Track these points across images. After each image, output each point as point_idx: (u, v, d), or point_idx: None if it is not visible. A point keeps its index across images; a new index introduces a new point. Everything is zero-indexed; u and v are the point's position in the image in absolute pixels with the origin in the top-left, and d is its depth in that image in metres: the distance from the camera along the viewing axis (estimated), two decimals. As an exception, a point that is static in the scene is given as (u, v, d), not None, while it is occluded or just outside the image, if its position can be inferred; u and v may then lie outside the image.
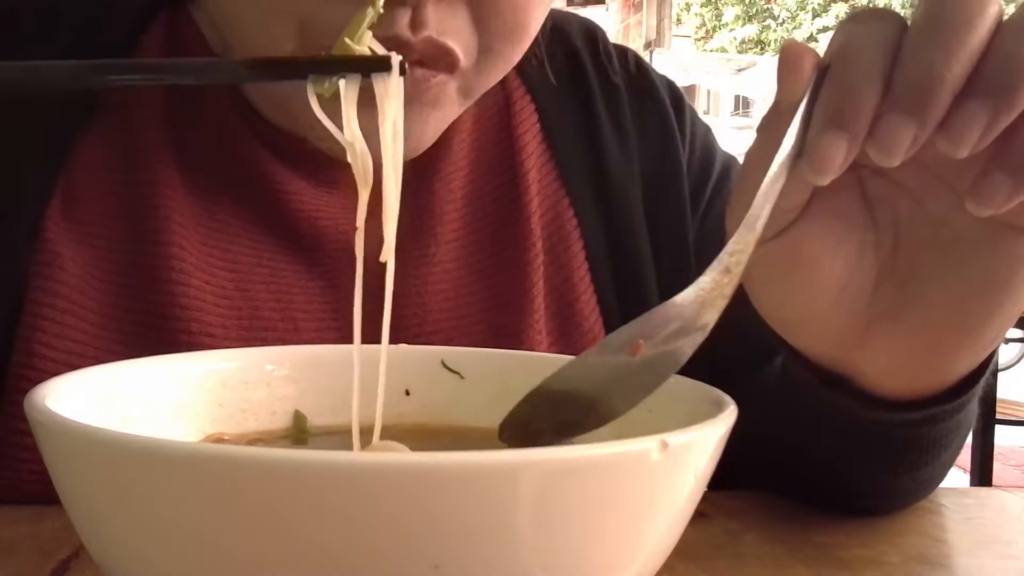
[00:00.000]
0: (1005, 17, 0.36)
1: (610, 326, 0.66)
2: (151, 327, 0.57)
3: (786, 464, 0.57)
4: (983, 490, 0.75)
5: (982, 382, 0.47)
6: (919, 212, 0.42)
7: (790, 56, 0.38)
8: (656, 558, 0.34)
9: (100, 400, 0.39)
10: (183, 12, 0.64)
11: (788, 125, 0.38)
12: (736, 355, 0.56)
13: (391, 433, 0.46)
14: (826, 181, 0.37)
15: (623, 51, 0.74)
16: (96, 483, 0.31)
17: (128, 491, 0.30)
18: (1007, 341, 4.23)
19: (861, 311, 0.43)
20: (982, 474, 3.32)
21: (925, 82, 0.35)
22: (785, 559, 0.49)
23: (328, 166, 0.62)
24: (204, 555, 0.29)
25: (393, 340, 0.57)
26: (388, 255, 0.39)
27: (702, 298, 0.37)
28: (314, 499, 0.27)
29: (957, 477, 3.89)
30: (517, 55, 0.58)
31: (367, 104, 0.39)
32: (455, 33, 0.53)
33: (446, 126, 0.60)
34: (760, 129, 0.42)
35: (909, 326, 0.43)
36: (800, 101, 0.38)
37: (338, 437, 0.46)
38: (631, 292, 0.67)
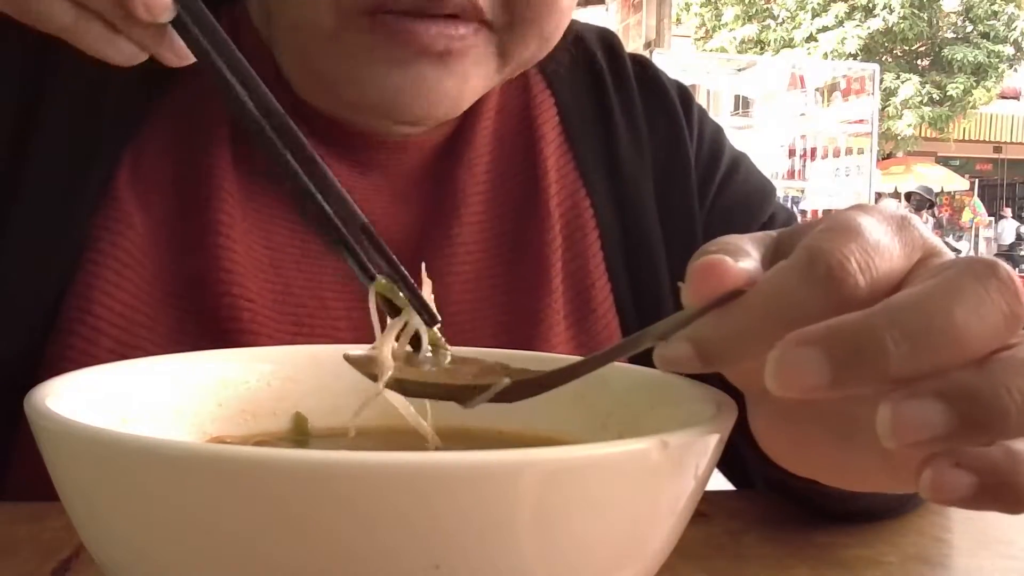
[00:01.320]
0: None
1: (623, 312, 0.68)
2: (197, 288, 0.61)
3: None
4: (983, 490, 0.74)
5: None
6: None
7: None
8: (656, 558, 0.34)
9: (100, 400, 0.39)
10: (242, 9, 0.67)
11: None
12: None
13: (391, 432, 0.46)
14: (665, 368, 0.34)
15: (636, 57, 0.78)
16: (96, 483, 0.31)
17: (128, 491, 0.30)
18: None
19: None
20: (982, 474, 3.31)
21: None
22: (785, 559, 0.49)
23: (363, 148, 0.66)
24: (204, 555, 0.29)
25: None
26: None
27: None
28: (314, 499, 0.27)
29: (957, 477, 3.89)
30: (552, 27, 0.60)
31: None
32: None
33: (482, 88, 0.61)
34: None
35: (841, 463, 0.38)
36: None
37: (339, 439, 0.46)
38: (643, 280, 0.70)
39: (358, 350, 0.41)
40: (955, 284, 0.30)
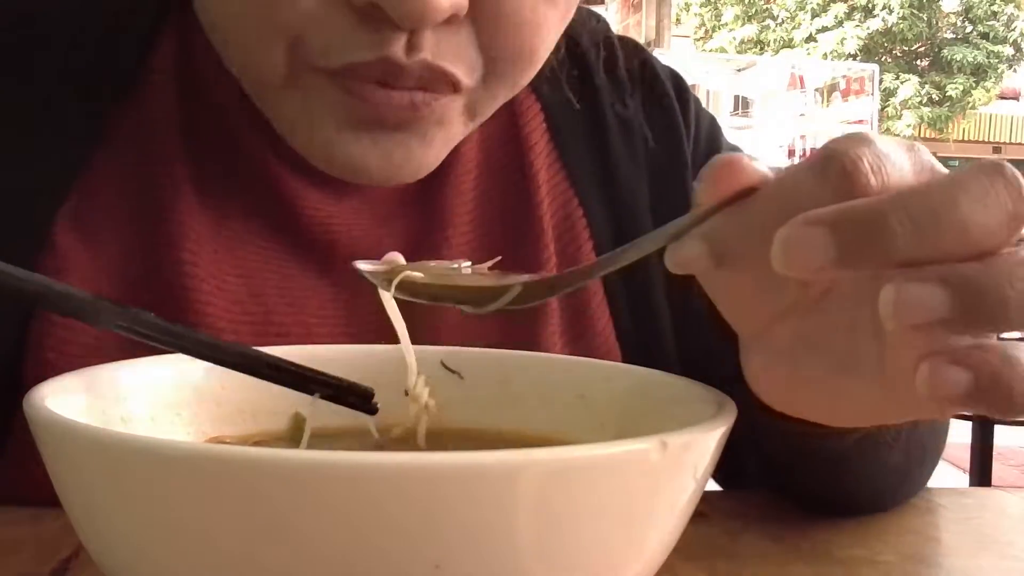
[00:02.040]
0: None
1: (619, 322, 0.65)
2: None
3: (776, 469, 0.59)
4: (982, 490, 0.75)
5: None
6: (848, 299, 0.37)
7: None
8: (656, 558, 0.34)
9: (100, 400, 0.39)
10: (191, 15, 0.61)
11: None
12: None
13: (390, 433, 0.46)
14: (680, 271, 0.35)
15: (628, 44, 0.74)
16: (96, 483, 0.31)
17: (128, 491, 0.30)
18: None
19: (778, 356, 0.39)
20: (981, 474, 3.32)
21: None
22: (784, 558, 0.49)
23: None
24: (204, 555, 0.29)
25: None
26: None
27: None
28: (315, 499, 0.27)
29: (956, 477, 3.90)
30: (525, 78, 0.56)
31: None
32: (455, 55, 0.51)
33: (448, 147, 0.57)
34: None
35: (833, 397, 0.38)
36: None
37: (339, 439, 0.46)
38: (638, 287, 0.67)
39: (369, 264, 0.41)
40: (962, 178, 0.31)
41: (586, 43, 0.71)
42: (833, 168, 0.32)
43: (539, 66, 0.56)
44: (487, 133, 0.67)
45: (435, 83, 0.51)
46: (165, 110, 0.60)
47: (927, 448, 0.59)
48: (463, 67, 0.52)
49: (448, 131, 0.55)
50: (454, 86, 0.52)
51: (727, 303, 0.40)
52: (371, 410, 0.43)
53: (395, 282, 0.39)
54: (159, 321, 0.38)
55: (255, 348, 0.42)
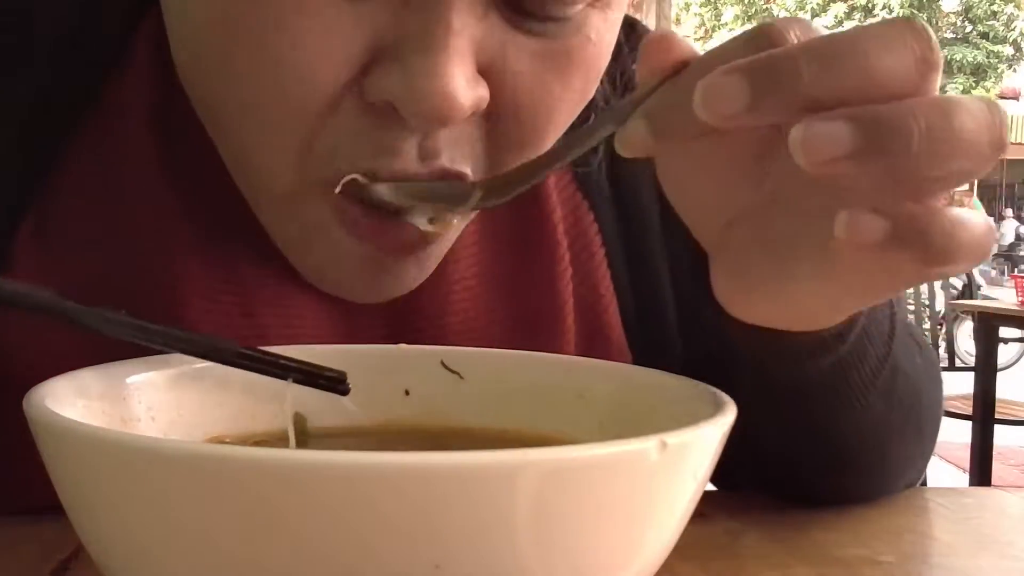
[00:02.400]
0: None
1: (629, 331, 0.64)
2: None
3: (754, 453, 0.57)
4: (982, 490, 0.75)
5: (861, 327, 0.49)
6: (808, 199, 0.39)
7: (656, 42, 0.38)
8: (656, 558, 0.34)
9: (100, 400, 0.39)
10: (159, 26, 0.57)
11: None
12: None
13: (391, 433, 0.46)
14: (627, 154, 0.37)
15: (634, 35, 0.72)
16: (96, 483, 0.31)
17: (128, 492, 0.30)
18: (1006, 341, 4.23)
19: (742, 260, 0.42)
20: (981, 474, 3.32)
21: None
22: (785, 559, 0.49)
23: None
24: (204, 556, 0.29)
25: None
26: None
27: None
28: (315, 499, 0.27)
29: (956, 477, 3.90)
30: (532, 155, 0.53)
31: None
32: (467, 155, 0.48)
33: (441, 251, 0.54)
34: None
35: (783, 296, 0.41)
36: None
37: (339, 439, 0.46)
38: (647, 296, 0.66)
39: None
40: (871, 27, 0.34)
41: None
42: (761, 36, 0.35)
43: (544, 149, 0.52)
44: None
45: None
46: (137, 127, 0.56)
47: (910, 405, 0.58)
48: (472, 163, 0.48)
49: (443, 245, 0.53)
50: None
51: (685, 208, 0.44)
52: (343, 391, 0.43)
53: (342, 183, 0.41)
54: (127, 318, 0.38)
55: (227, 340, 0.41)
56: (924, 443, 0.61)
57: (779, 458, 0.57)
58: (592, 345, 0.63)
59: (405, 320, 0.58)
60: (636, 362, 0.64)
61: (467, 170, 0.48)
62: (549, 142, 0.51)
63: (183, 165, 0.55)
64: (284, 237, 0.52)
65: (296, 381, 0.42)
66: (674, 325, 0.66)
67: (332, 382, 0.42)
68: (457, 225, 0.52)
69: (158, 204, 0.55)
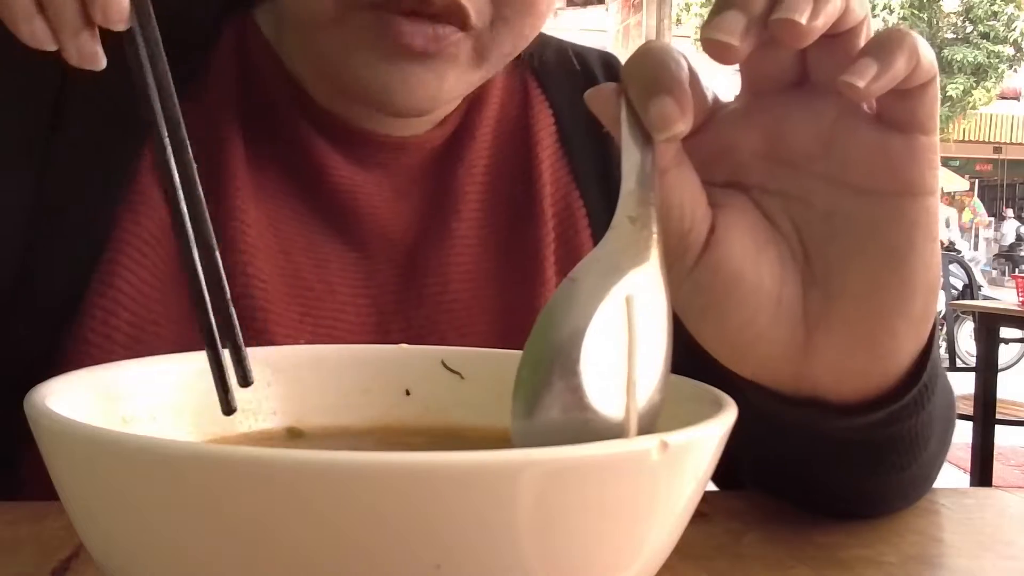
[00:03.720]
0: None
1: None
2: None
3: (772, 472, 0.59)
4: (983, 490, 0.75)
5: (931, 366, 0.47)
6: (810, 212, 0.43)
7: (592, 91, 0.42)
8: (657, 558, 0.34)
9: (100, 400, 0.39)
10: (250, 17, 0.71)
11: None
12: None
13: (390, 433, 0.46)
14: (672, 133, 0.39)
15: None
16: (96, 483, 0.31)
17: (128, 491, 0.30)
18: (1006, 342, 4.23)
19: (798, 322, 0.43)
20: (982, 474, 3.32)
21: None
22: (786, 559, 0.49)
23: (366, 144, 0.69)
24: (204, 555, 0.29)
25: (418, 306, 0.68)
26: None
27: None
28: (315, 500, 0.27)
29: (957, 477, 3.90)
30: (528, 28, 0.64)
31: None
32: None
33: (461, 88, 0.65)
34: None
35: (843, 323, 0.43)
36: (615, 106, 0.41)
37: (338, 439, 0.46)
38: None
39: None
40: None
41: (598, 70, 0.80)
42: None
43: (539, 19, 0.64)
44: (501, 127, 0.75)
45: (452, 17, 0.59)
46: (228, 80, 0.69)
47: (936, 461, 0.58)
48: (475, 7, 0.60)
49: (457, 69, 0.62)
50: (464, 23, 0.60)
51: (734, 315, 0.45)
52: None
53: None
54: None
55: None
56: (943, 456, 0.61)
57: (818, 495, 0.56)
58: None
59: (415, 266, 0.69)
60: None
61: (470, 8, 0.59)
62: (542, 12, 0.63)
63: (251, 126, 0.68)
64: (333, 58, 0.62)
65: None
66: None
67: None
68: (472, 72, 0.63)
69: (231, 155, 0.66)
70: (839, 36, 0.40)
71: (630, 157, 0.39)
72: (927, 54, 0.39)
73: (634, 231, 0.37)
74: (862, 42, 0.40)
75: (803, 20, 0.38)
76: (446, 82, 0.62)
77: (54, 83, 0.65)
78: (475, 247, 0.71)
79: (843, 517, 0.55)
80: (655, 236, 0.37)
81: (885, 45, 0.38)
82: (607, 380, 0.34)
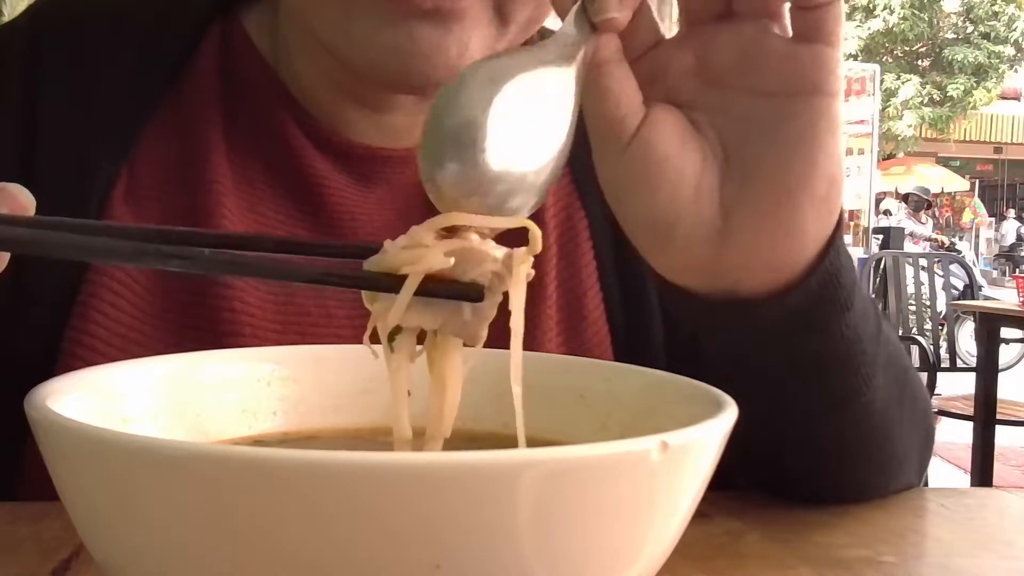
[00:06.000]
0: None
1: (613, 324, 0.70)
2: (196, 304, 0.61)
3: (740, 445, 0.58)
4: (983, 490, 0.75)
5: (832, 255, 0.50)
6: (729, 118, 0.48)
7: None
8: (657, 558, 0.34)
9: (100, 400, 0.39)
10: (236, 22, 0.68)
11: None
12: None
13: (390, 433, 0.46)
14: (616, 27, 0.45)
15: None
16: (96, 483, 0.31)
17: (128, 491, 0.30)
18: (1007, 342, 4.23)
19: (716, 207, 0.48)
20: (982, 474, 3.32)
21: None
22: (786, 559, 0.49)
23: (367, 160, 0.66)
24: (204, 555, 0.29)
25: None
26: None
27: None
28: (315, 500, 0.27)
29: (957, 477, 3.90)
30: None
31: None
32: None
33: (483, 52, 0.60)
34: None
35: (754, 202, 0.48)
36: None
37: (338, 439, 0.46)
38: (634, 293, 0.70)
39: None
40: None
41: None
42: None
43: None
44: None
45: None
46: (207, 96, 0.66)
47: (905, 382, 0.59)
48: None
49: (480, 32, 0.58)
50: None
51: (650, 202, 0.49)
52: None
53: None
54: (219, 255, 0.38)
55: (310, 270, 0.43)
56: (919, 430, 0.61)
57: (790, 456, 0.57)
58: (571, 322, 0.69)
59: None
60: (618, 345, 0.70)
61: None
62: None
63: (241, 144, 0.65)
64: (335, 28, 0.59)
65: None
66: (658, 314, 0.70)
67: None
68: (493, 32, 0.59)
69: (216, 175, 0.63)
70: None
71: (568, 25, 0.44)
72: None
73: (558, 48, 0.43)
74: None
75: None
76: (469, 48, 0.58)
77: (17, 139, 0.63)
78: None
79: (814, 494, 0.57)
80: (580, 56, 0.43)
81: None
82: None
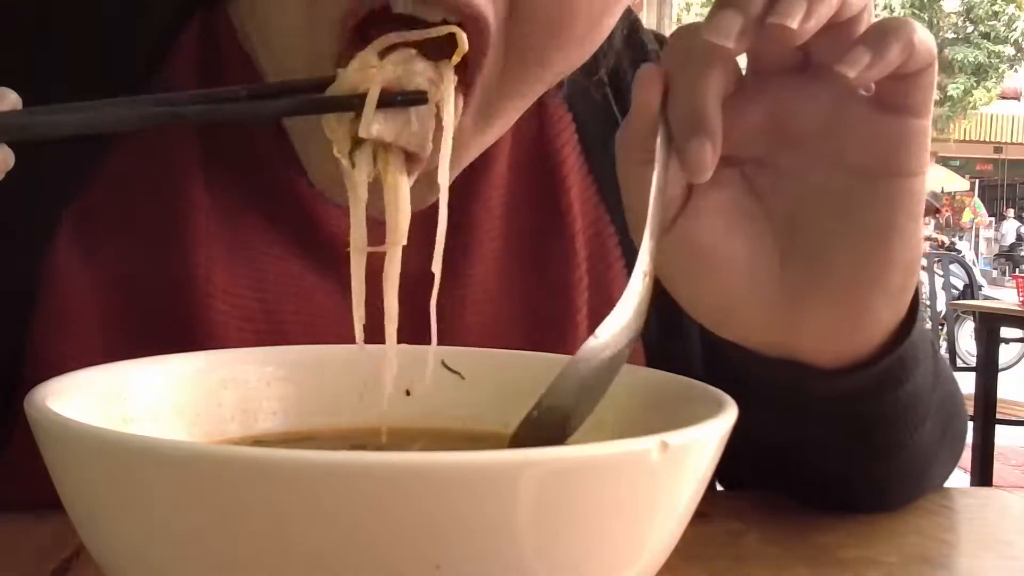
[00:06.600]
0: None
1: (647, 346, 0.63)
2: (176, 343, 0.53)
3: (772, 462, 0.57)
4: (984, 490, 0.75)
5: (911, 340, 0.48)
6: (803, 186, 0.45)
7: (643, 75, 0.43)
8: (657, 558, 0.34)
9: (100, 400, 0.39)
10: (220, 12, 0.60)
11: (651, 135, 0.43)
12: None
13: (390, 433, 0.46)
14: (705, 179, 0.42)
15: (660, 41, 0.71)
16: (96, 483, 0.31)
17: (128, 491, 0.30)
18: (1007, 341, 4.23)
19: (777, 292, 0.46)
20: (983, 474, 3.32)
21: None
22: (786, 559, 0.49)
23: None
24: (204, 555, 0.29)
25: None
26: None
27: (637, 308, 0.41)
28: (315, 499, 0.27)
29: (957, 477, 3.90)
30: (558, 65, 0.54)
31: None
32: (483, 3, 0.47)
33: (460, 168, 0.56)
34: (624, 145, 0.45)
35: (825, 295, 0.45)
36: (656, 111, 0.43)
37: (339, 439, 0.46)
38: (666, 311, 0.65)
39: None
40: None
41: (623, 51, 0.68)
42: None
43: (579, 54, 0.54)
44: (517, 145, 0.64)
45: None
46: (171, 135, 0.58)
47: (954, 416, 0.58)
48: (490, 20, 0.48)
49: (463, 151, 0.53)
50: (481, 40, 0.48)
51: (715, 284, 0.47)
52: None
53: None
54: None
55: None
56: (955, 457, 0.61)
57: (821, 482, 0.55)
58: None
59: (426, 319, 0.54)
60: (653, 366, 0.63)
61: (487, 14, 0.47)
62: (579, 39, 0.52)
63: (222, 173, 0.58)
64: (295, 131, 0.56)
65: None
66: (697, 338, 0.64)
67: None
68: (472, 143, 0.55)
69: (191, 204, 0.57)
70: (838, 25, 0.41)
71: (654, 197, 0.42)
72: (924, 41, 0.41)
73: (645, 288, 0.42)
74: (862, 29, 0.41)
75: (795, 25, 0.39)
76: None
77: None
78: (496, 291, 0.62)
79: (841, 509, 0.55)
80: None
81: (881, 34, 0.40)
82: None
